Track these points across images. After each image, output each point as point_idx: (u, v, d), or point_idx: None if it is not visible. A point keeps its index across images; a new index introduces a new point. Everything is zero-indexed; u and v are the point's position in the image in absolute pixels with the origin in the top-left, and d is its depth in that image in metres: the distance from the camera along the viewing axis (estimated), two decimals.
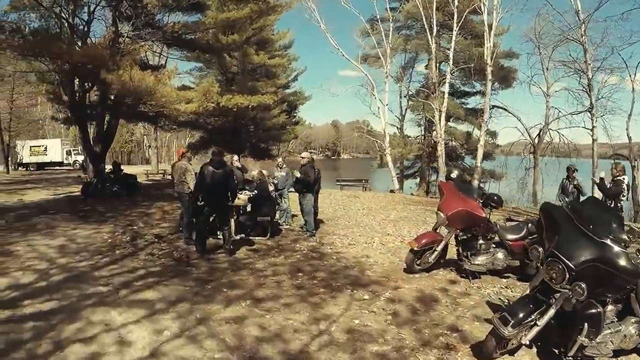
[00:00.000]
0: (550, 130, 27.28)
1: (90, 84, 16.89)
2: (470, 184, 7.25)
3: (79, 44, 14.45)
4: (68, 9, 14.63)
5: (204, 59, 19.27)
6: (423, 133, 29.20)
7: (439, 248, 6.78)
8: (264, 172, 10.11)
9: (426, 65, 30.19)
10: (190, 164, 8.64)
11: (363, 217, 13.65)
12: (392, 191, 26.25)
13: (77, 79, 16.08)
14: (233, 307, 5.35)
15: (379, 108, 25.89)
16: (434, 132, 26.05)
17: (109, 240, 8.70)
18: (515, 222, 7.32)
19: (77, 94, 16.64)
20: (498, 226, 6.84)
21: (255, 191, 9.35)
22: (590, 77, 20.65)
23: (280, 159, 12.80)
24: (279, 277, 6.77)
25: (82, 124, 16.88)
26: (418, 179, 30.15)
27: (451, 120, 28.40)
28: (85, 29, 15.77)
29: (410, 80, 30.81)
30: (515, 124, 35.90)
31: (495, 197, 7.09)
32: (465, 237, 6.72)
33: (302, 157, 10.18)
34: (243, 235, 8.97)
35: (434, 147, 28.81)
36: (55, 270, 6.62)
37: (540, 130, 27.60)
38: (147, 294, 5.74)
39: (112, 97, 17.48)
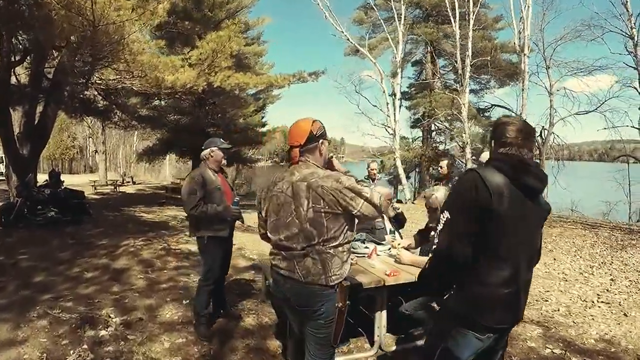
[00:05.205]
0: (544, 131, 23.35)
1: (19, 57, 10.13)
2: None
3: None
4: None
5: (179, 29, 12.96)
6: (422, 135, 24.11)
7: None
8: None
9: (416, 61, 25.36)
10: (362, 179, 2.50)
11: None
12: (399, 201, 20.89)
13: None
14: None
15: (388, 104, 20.47)
16: (445, 133, 21.13)
17: None
18: None
19: None
20: None
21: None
22: None
23: (374, 164, 6.84)
24: None
25: (1, 110, 9.93)
26: (415, 187, 24.90)
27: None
28: None
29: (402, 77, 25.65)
30: None
31: None
32: None
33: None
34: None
35: (434, 150, 24.11)
36: None
37: (541, 131, 23.45)
38: None
39: (51, 75, 10.72)
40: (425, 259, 3.70)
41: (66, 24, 6.21)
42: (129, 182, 28.95)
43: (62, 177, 11.19)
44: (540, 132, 23.36)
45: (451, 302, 2.07)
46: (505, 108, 22.75)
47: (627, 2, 14.73)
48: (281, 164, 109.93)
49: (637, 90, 15.88)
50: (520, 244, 1.97)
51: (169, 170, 42.10)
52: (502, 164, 1.93)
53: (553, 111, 22.25)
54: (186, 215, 3.99)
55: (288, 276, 2.33)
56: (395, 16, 19.95)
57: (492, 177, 1.88)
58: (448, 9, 18.45)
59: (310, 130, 2.37)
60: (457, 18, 18.49)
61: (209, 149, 3.97)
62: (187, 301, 4.78)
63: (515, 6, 17.38)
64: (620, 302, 5.39)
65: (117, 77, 9.07)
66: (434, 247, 2.08)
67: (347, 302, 2.39)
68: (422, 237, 4.35)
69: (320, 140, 2.41)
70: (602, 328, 4.55)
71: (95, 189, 21.36)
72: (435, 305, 3.44)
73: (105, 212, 12.77)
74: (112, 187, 22.95)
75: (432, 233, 3.88)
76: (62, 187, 10.42)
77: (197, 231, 3.90)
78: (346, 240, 2.31)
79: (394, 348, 3.74)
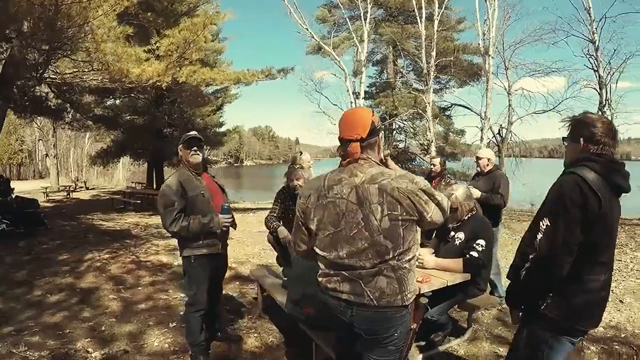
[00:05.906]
0: (503, 129, 24.04)
1: None
2: None
3: None
4: None
5: (140, 20, 11.95)
6: (384, 133, 24.12)
7: None
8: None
9: (377, 60, 25.28)
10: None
11: None
12: None
13: None
14: None
15: (351, 102, 20.13)
16: (407, 131, 21.05)
17: None
18: None
19: None
20: None
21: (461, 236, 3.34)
22: (603, 74, 16.66)
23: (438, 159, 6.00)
24: None
25: None
26: None
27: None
28: None
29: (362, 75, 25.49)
30: (476, 122, 32.73)
31: None
32: None
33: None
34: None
35: (395, 148, 24.16)
36: None
37: (499, 129, 24.09)
38: None
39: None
40: (448, 261, 3.36)
41: (24, 1, 5.31)
42: (82, 187, 27.27)
43: (12, 184, 10.16)
44: (499, 130, 24.04)
45: (550, 311, 1.95)
46: (466, 107, 23.15)
47: (589, 8, 15.40)
48: (235, 164, 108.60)
49: (597, 90, 16.44)
50: (615, 246, 2.00)
51: (123, 173, 40.14)
52: (595, 164, 1.86)
53: (511, 110, 22.96)
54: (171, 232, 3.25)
55: (354, 301, 1.88)
56: (362, 15, 19.65)
57: (594, 179, 1.81)
58: (415, 9, 18.32)
59: (372, 121, 1.94)
60: (424, 18, 18.43)
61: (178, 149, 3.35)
62: (174, 324, 4.20)
63: (480, 9, 17.49)
64: (612, 290, 5.38)
65: (75, 70, 8.09)
66: (531, 257, 1.90)
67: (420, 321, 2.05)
68: (439, 239, 4.02)
69: (380, 134, 2.04)
70: (605, 316, 4.51)
71: (47, 195, 19.85)
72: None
73: (60, 221, 11.72)
74: (65, 194, 21.48)
75: (452, 234, 3.62)
76: (13, 195, 9.42)
77: (182, 250, 3.28)
78: (417, 251, 2.01)
79: (419, 357, 3.44)
